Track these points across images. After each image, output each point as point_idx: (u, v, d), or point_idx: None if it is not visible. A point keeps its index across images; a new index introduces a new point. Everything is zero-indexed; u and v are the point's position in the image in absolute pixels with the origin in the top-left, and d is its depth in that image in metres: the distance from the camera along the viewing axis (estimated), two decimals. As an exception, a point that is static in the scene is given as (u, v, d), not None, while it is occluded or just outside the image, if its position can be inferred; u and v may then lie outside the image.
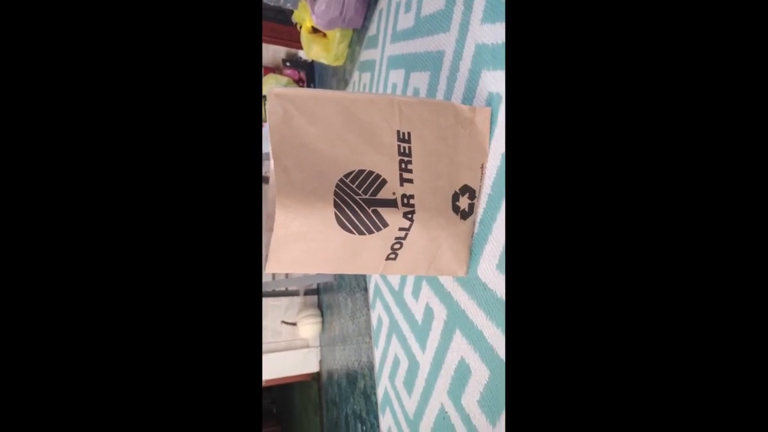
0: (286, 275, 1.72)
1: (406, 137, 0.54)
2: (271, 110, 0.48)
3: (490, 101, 0.60)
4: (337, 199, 0.49)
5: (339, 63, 1.59)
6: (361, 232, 0.51)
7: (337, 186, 0.49)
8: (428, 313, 0.77)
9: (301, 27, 1.62)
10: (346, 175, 0.50)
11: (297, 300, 2.20)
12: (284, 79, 2.09)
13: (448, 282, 0.70)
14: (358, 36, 1.46)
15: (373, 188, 0.51)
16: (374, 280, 1.14)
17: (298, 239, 0.49)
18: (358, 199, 0.50)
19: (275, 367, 2.08)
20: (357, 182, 0.51)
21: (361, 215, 0.50)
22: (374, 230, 0.51)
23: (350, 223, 0.50)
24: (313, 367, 2.15)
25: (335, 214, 0.49)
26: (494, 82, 0.60)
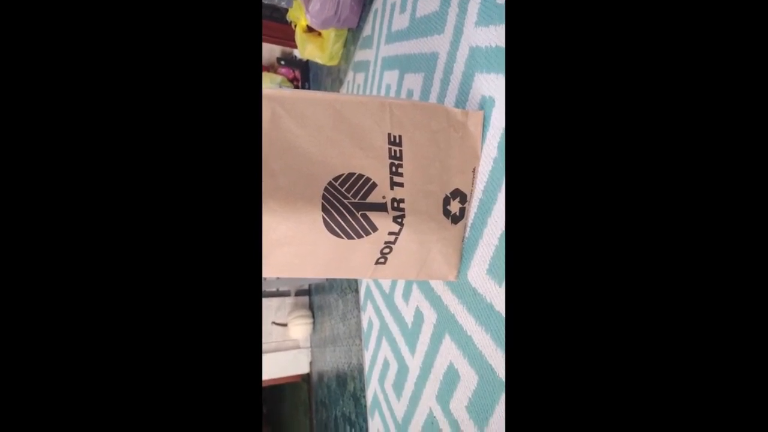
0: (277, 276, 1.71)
1: (397, 140, 0.53)
2: (259, 111, 0.47)
3: (483, 104, 0.60)
4: (325, 203, 0.48)
5: (334, 63, 1.58)
6: (349, 237, 0.50)
7: (326, 190, 0.48)
8: (418, 316, 0.77)
9: (295, 26, 1.62)
10: (335, 179, 0.49)
11: (288, 301, 2.19)
12: (278, 78, 2.08)
13: (438, 286, 0.70)
14: (353, 36, 1.45)
15: (363, 192, 0.50)
16: (365, 283, 1.14)
17: (285, 243, 0.48)
18: (347, 203, 0.49)
19: (265, 367, 2.08)
20: (346, 186, 0.50)
21: (350, 219, 0.49)
22: (363, 234, 0.50)
23: (339, 228, 0.49)
24: (303, 368, 2.15)
25: (323, 218, 0.48)
26: (487, 85, 0.59)
